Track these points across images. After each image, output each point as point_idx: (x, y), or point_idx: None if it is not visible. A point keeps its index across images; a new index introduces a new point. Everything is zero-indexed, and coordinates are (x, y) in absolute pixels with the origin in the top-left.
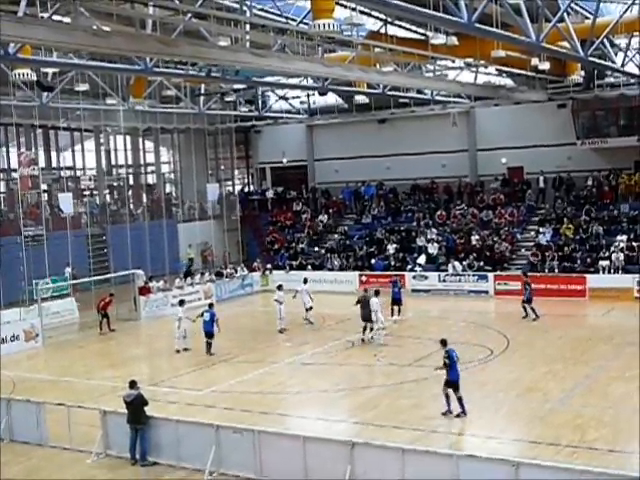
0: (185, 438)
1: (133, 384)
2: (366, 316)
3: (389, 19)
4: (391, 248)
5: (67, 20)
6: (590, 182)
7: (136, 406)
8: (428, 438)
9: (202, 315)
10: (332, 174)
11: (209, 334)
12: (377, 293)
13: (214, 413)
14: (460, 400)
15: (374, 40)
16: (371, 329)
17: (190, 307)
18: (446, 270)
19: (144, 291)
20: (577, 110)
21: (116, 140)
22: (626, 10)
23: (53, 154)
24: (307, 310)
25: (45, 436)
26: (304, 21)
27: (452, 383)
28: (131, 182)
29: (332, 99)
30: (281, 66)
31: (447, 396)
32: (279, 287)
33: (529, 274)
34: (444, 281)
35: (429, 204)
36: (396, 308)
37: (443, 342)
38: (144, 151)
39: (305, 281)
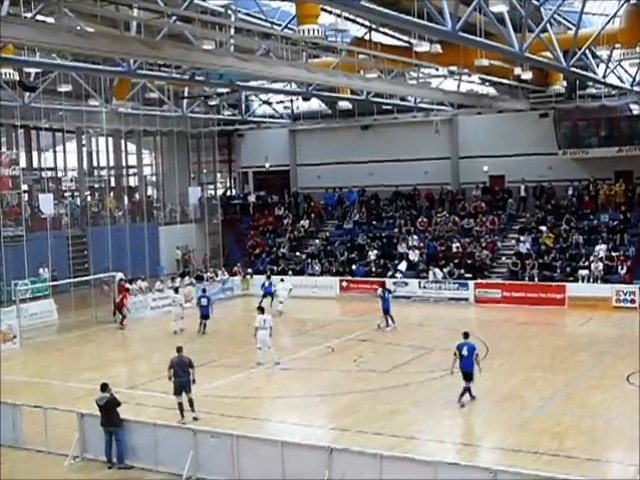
0: (162, 442)
1: (105, 387)
2: (181, 387)
3: (374, 26)
4: (372, 254)
5: (51, 20)
6: (571, 192)
7: (108, 409)
8: (407, 444)
9: (199, 301)
10: (314, 179)
11: (206, 316)
12: (262, 310)
13: (192, 417)
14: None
15: (358, 46)
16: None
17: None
18: (426, 277)
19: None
20: (559, 120)
21: (98, 142)
22: (608, 22)
23: (34, 154)
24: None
25: (21, 438)
26: (289, 26)
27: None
28: (113, 184)
29: (315, 104)
30: (265, 71)
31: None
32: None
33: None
34: (424, 288)
35: (411, 211)
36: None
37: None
38: (126, 153)
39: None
